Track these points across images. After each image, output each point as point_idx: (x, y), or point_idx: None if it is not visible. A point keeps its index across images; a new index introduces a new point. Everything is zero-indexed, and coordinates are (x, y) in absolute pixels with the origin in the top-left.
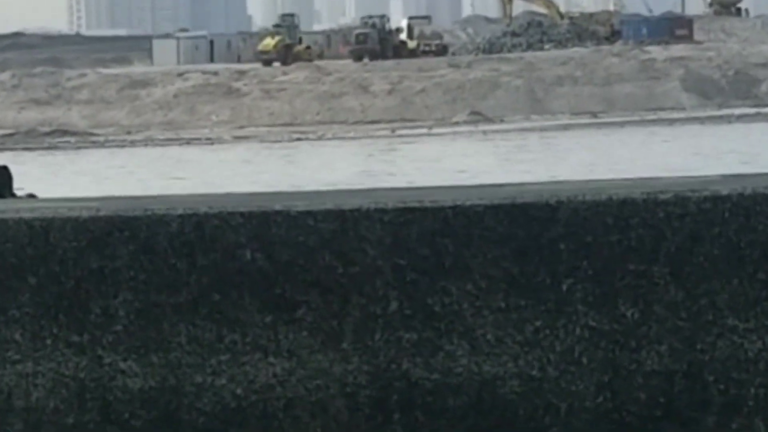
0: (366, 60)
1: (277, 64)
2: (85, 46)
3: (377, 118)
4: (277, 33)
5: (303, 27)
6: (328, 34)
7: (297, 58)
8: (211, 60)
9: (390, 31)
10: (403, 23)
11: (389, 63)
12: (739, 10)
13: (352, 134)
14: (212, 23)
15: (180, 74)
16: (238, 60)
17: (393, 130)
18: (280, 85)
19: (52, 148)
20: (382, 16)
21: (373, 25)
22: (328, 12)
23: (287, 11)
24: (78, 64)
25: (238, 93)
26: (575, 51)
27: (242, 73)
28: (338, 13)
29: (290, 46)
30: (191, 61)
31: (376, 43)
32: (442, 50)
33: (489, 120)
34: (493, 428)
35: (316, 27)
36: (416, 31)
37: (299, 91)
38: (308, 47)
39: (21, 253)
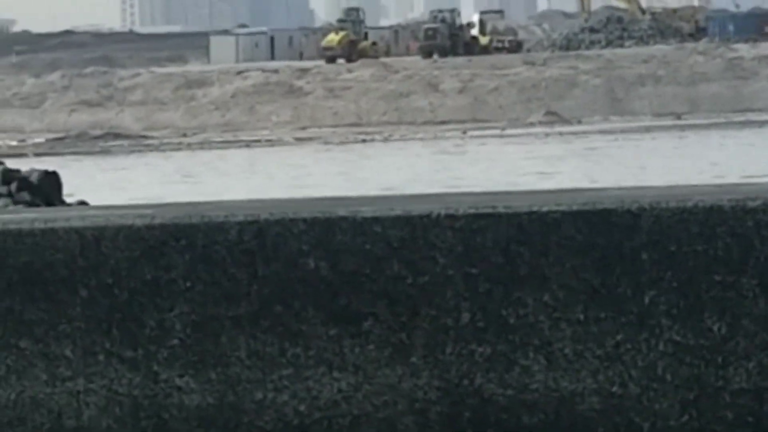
0: (435, 57)
1: (341, 61)
2: (138, 44)
3: (447, 119)
4: (342, 28)
5: (369, 22)
6: (395, 30)
7: (362, 54)
8: (272, 57)
9: (461, 27)
10: (475, 18)
11: (460, 60)
12: None
13: (420, 135)
14: (273, 19)
15: (238, 73)
16: (300, 57)
17: (464, 132)
18: (344, 83)
19: (104, 152)
20: (453, 11)
21: (443, 20)
22: (395, 6)
23: (352, 5)
24: (131, 64)
25: (300, 92)
26: (658, 48)
27: (304, 70)
28: (406, 7)
29: (355, 42)
30: (250, 59)
31: (446, 38)
32: (516, 47)
33: (565, 121)
34: None
35: (383, 22)
36: (489, 27)
37: (365, 90)
38: (374, 43)
39: (71, 263)
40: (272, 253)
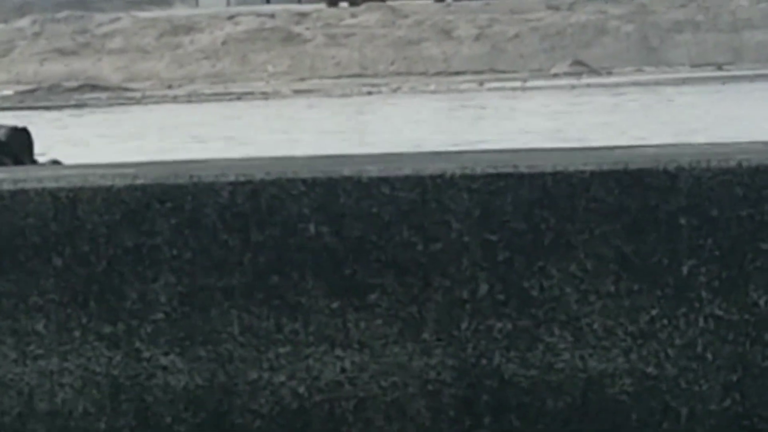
0: (449, 0)
1: (344, 4)
2: None
3: (462, 69)
4: None
5: None
6: None
7: None
8: (267, 0)
9: None
10: None
11: (476, 3)
12: None
13: (432, 87)
14: None
15: (230, 17)
16: (299, 0)
17: (481, 83)
18: (347, 29)
19: (80, 105)
20: None
21: None
22: None
23: None
24: (110, 7)
25: (299, 39)
26: None
27: (303, 15)
28: None
29: None
30: (243, 2)
31: None
32: None
33: (594, 72)
34: None
35: None
36: None
37: (370, 37)
38: None
39: (44, 229)
40: (268, 217)
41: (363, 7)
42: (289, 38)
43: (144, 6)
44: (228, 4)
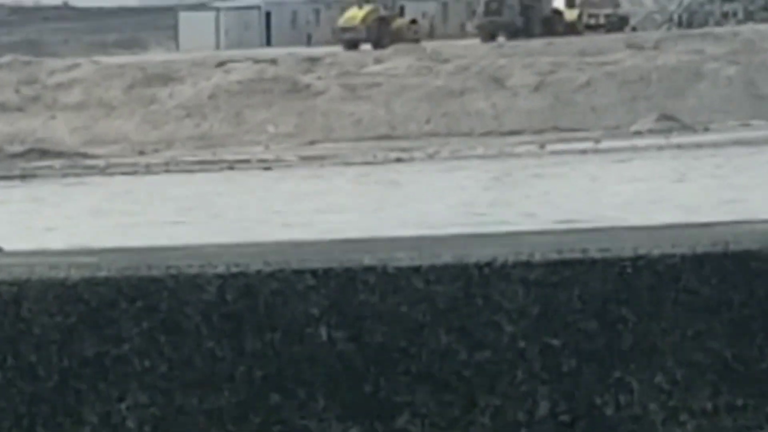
0: (501, 39)
1: (366, 46)
2: (76, 23)
3: (518, 127)
4: (368, 1)
5: None
6: (444, 2)
7: (397, 37)
8: (268, 42)
9: None
10: None
11: (536, 44)
12: None
13: (479, 151)
14: None
15: (219, 64)
16: (308, 41)
17: (542, 145)
18: (371, 78)
19: (26, 176)
20: None
21: None
22: None
23: None
24: (66, 50)
25: (308, 91)
26: None
27: (314, 60)
28: None
29: (387, 19)
30: (237, 44)
31: (516, 13)
32: (617, 24)
33: (687, 128)
34: None
35: None
36: None
37: (400, 88)
38: (413, 21)
39: None
40: (267, 319)
41: (390, 49)
42: (296, 90)
43: (110, 49)
44: (217, 46)
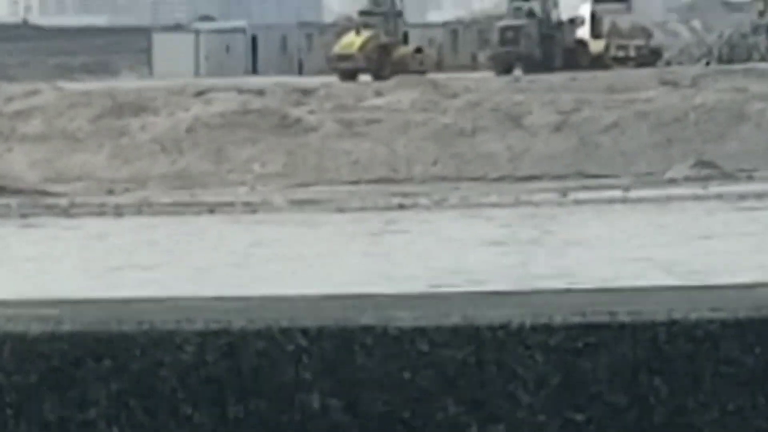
0: (518, 72)
1: (365, 77)
2: (37, 44)
3: (537, 172)
4: (367, 25)
5: (412, 16)
6: (453, 29)
7: (399, 67)
8: (254, 69)
9: (560, 24)
10: (583, 10)
11: (558, 78)
12: None
13: (493, 199)
14: (256, 9)
15: (199, 93)
16: (300, 70)
17: (564, 193)
18: (370, 113)
19: None
20: None
21: (531, 14)
22: None
23: None
24: (26, 74)
25: (299, 127)
26: None
27: (306, 91)
28: None
29: (388, 47)
30: (219, 72)
31: (534, 43)
32: (649, 57)
33: (728, 176)
34: None
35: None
36: (606, 25)
37: (403, 125)
38: (419, 50)
39: None
40: (252, 383)
41: (392, 81)
42: (285, 125)
43: (75, 74)
44: (196, 73)
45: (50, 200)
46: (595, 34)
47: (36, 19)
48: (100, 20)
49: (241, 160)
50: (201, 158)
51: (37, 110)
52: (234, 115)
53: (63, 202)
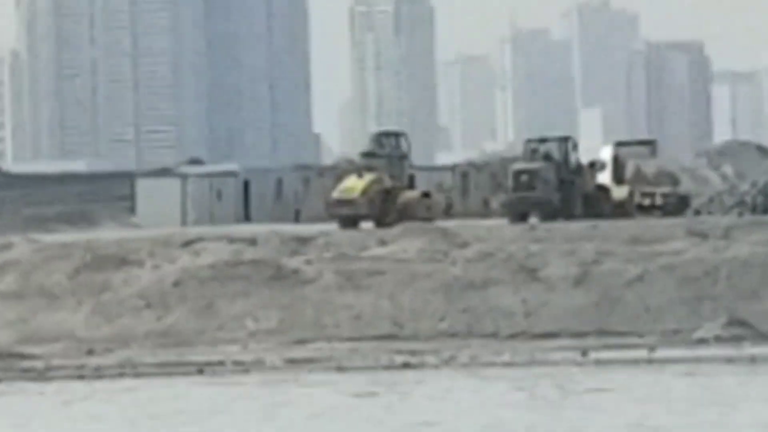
0: (534, 220)
1: (367, 224)
2: (11, 192)
3: (554, 329)
4: (369, 168)
5: (418, 157)
6: (463, 172)
7: (405, 213)
8: (246, 216)
9: (579, 168)
10: (605, 154)
11: (577, 226)
12: None
13: (506, 358)
14: (249, 151)
15: (187, 243)
16: (296, 217)
17: (584, 352)
18: (373, 264)
19: None
20: (565, 139)
21: (547, 156)
22: (463, 131)
23: (387, 128)
24: None
25: (296, 278)
26: None
27: (303, 241)
28: (482, 132)
29: (393, 191)
30: (209, 219)
31: (552, 188)
32: (676, 205)
33: (764, 336)
34: None
35: (443, 158)
36: (630, 169)
37: (409, 277)
38: (426, 194)
39: None
40: None
41: (397, 228)
42: (281, 277)
43: (52, 225)
44: (183, 222)
45: (26, 363)
46: (618, 179)
47: (9, 165)
48: (78, 166)
49: (233, 315)
50: (189, 314)
51: (10, 265)
52: (225, 266)
53: (39, 365)
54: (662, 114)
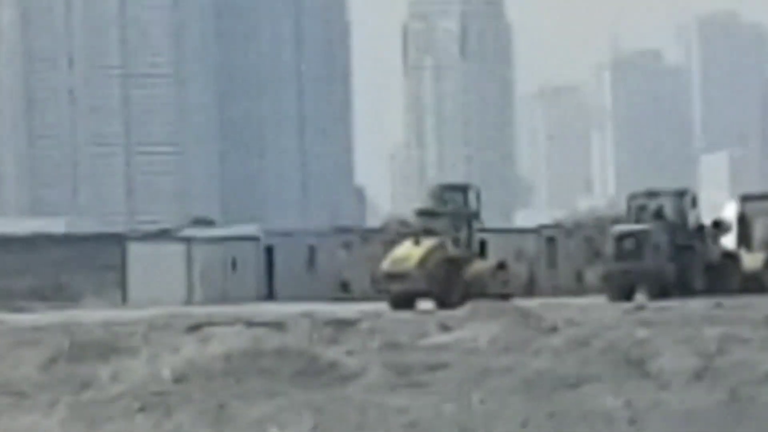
0: (641, 298)
1: (427, 304)
2: None
3: None
4: (429, 232)
5: (491, 219)
6: (549, 236)
7: (475, 289)
8: (269, 293)
9: (700, 229)
10: (728, 212)
11: (697, 305)
12: None
13: None
14: (272, 210)
15: (194, 327)
16: (344, 289)
17: None
18: (433, 355)
19: None
20: (682, 194)
21: (659, 214)
22: (549, 184)
23: (453, 182)
24: None
25: (334, 374)
26: None
27: (344, 325)
28: (574, 184)
29: (459, 262)
30: (221, 297)
31: (665, 256)
32: None
33: None
34: None
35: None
36: (760, 230)
37: (481, 372)
38: (501, 265)
39: None
40: None
41: (465, 309)
42: (314, 372)
43: (20, 302)
44: (189, 299)
45: None
46: (748, 243)
47: None
48: (56, 225)
49: (252, 420)
50: (196, 419)
51: None
52: (242, 357)
53: None
54: None
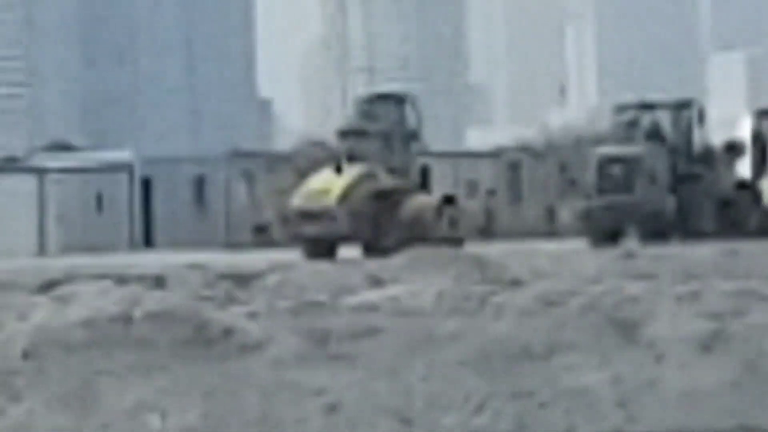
0: (631, 242)
1: (350, 252)
2: None
3: (670, 424)
4: (353, 157)
5: (435, 138)
6: (512, 161)
7: (415, 232)
8: (147, 239)
9: (708, 154)
10: (744, 131)
11: (705, 252)
12: None
13: None
14: (149, 129)
15: (47, 285)
16: (258, 233)
17: None
18: (360, 318)
19: None
20: (686, 105)
21: (654, 133)
22: (511, 92)
23: (381, 89)
24: None
25: (230, 344)
26: None
27: (243, 280)
28: (543, 92)
29: (393, 195)
30: (82, 244)
31: (661, 188)
32: None
33: None
34: None
35: (476, 139)
36: None
37: (422, 341)
38: (449, 199)
39: None
40: None
41: (402, 257)
42: (205, 341)
43: None
44: (42, 248)
45: None
46: (766, 171)
47: None
48: None
49: (124, 407)
50: (51, 405)
51: None
52: (110, 324)
53: None
54: None
